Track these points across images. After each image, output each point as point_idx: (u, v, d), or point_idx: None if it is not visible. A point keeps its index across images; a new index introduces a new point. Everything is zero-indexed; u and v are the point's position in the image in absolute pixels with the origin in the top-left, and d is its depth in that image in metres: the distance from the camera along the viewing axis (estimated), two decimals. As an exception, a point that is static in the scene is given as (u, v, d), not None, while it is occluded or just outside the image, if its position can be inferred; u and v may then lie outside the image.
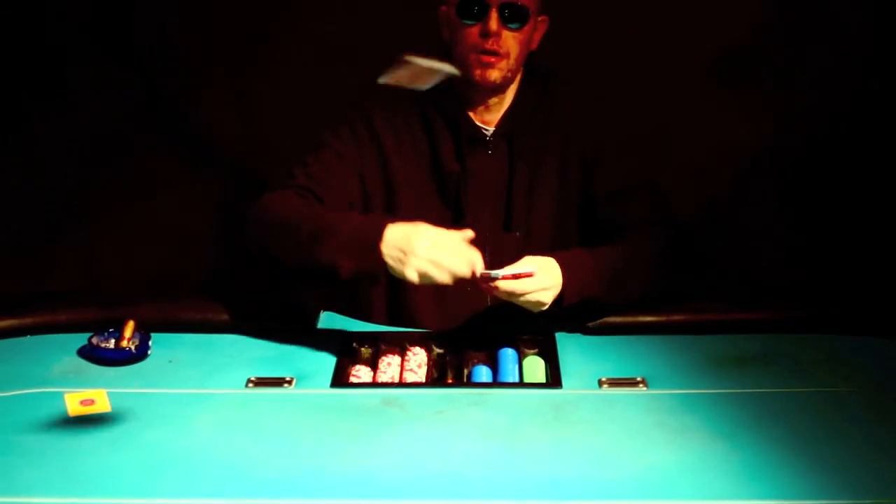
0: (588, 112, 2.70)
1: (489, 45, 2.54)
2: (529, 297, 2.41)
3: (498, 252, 2.61)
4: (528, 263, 2.42)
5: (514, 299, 2.41)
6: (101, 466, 1.98)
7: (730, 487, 1.91)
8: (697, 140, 3.51)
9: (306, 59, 3.48)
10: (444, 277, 2.32)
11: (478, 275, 2.36)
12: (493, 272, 2.36)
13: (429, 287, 2.59)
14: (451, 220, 2.63)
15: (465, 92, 2.64)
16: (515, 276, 2.37)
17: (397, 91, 2.66)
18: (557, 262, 2.46)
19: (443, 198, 2.68)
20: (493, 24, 2.53)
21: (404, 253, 2.32)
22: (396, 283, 2.68)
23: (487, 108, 2.66)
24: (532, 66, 2.68)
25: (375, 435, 2.09)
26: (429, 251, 2.31)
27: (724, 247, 3.59)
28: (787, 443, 2.05)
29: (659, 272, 2.62)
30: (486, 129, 2.67)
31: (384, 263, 2.35)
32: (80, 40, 3.49)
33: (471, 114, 2.66)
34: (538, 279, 2.40)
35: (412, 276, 2.32)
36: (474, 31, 2.55)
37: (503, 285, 2.37)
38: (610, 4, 3.42)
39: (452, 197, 2.66)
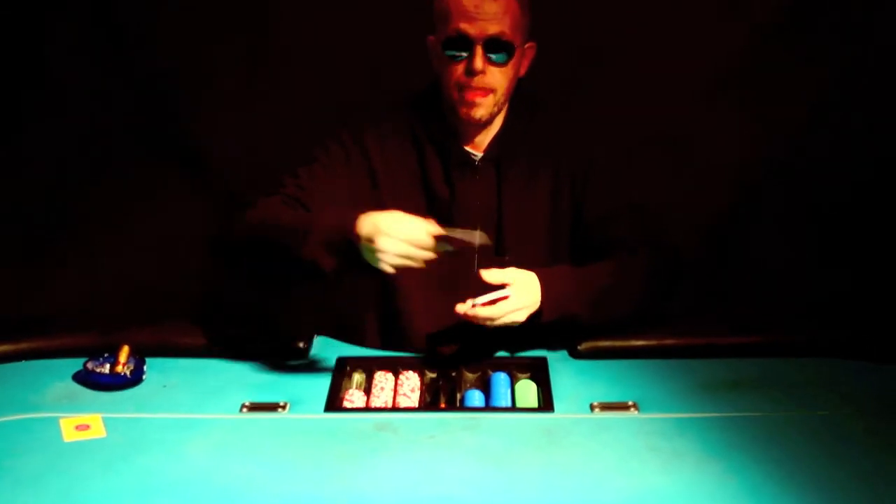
0: (577, 136, 2.71)
1: (475, 82, 2.55)
2: (505, 320, 2.43)
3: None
4: (507, 277, 2.44)
5: (489, 324, 2.43)
6: (96, 491, 1.99)
7: (721, 511, 1.92)
8: (698, 155, 3.51)
9: (299, 72, 3.47)
10: (401, 248, 2.32)
11: (461, 312, 2.39)
12: (470, 299, 2.40)
13: (422, 310, 2.61)
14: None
15: (454, 123, 2.66)
16: (492, 302, 2.40)
17: (387, 112, 2.70)
18: (538, 277, 2.48)
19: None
20: (479, 61, 2.52)
21: (371, 241, 2.32)
22: (389, 305, 2.70)
23: (476, 134, 2.68)
24: (520, 92, 2.69)
25: (369, 459, 2.10)
26: (387, 230, 2.32)
27: (723, 267, 3.59)
28: (781, 466, 2.06)
29: (648, 293, 2.63)
30: (475, 154, 2.68)
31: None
32: (74, 53, 3.49)
33: (460, 138, 2.68)
34: (513, 300, 2.42)
35: (383, 265, 2.34)
36: (460, 67, 2.55)
37: (480, 313, 2.40)
38: (610, 20, 3.42)
39: (442, 221, 2.66)
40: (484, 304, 2.39)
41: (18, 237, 3.56)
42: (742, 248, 3.61)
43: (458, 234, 2.37)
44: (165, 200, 3.57)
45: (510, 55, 2.55)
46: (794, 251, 3.59)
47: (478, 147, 2.68)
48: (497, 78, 2.56)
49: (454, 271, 2.54)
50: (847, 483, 2.00)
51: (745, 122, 3.49)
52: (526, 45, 2.63)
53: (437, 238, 2.34)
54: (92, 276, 3.56)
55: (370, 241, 2.30)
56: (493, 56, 2.53)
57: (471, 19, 2.50)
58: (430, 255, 2.33)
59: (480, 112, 2.58)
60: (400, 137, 2.69)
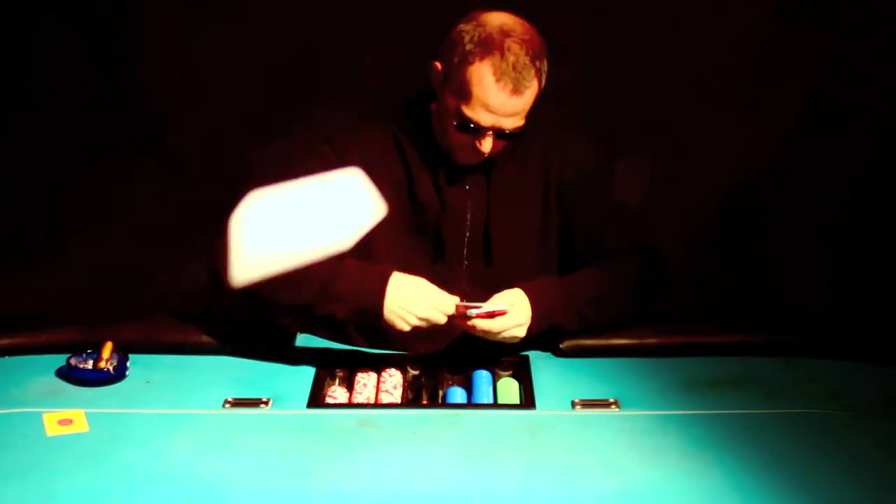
0: (567, 148, 2.67)
1: (478, 157, 2.53)
2: (505, 335, 2.45)
3: (477, 287, 2.63)
4: (499, 301, 2.45)
5: (489, 337, 2.44)
6: (79, 486, 1.99)
7: (703, 507, 1.93)
8: (692, 155, 3.53)
9: (281, 62, 3.47)
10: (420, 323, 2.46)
11: (455, 309, 2.41)
12: (469, 309, 2.42)
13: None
14: (429, 256, 2.64)
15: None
16: (490, 314, 2.41)
17: (372, 119, 2.67)
18: (525, 293, 2.49)
19: (420, 232, 2.65)
20: (487, 146, 2.49)
21: (406, 310, 2.45)
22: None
23: None
24: None
25: (351, 455, 2.11)
26: (409, 306, 2.45)
27: (713, 269, 3.61)
28: (763, 463, 2.07)
29: (633, 301, 2.64)
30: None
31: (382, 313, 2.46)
32: (51, 50, 3.47)
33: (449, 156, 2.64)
34: (512, 317, 2.44)
35: (404, 327, 2.47)
36: (466, 138, 2.50)
37: (479, 324, 2.42)
38: (607, 22, 3.43)
39: (431, 232, 2.65)
40: (480, 316, 2.41)
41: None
42: (733, 248, 3.62)
43: (484, 307, 2.43)
44: (147, 196, 3.57)
45: (520, 136, 2.53)
46: (784, 253, 3.61)
47: None
48: (500, 147, 2.54)
49: (441, 277, 2.55)
50: (829, 480, 2.01)
51: (740, 122, 3.50)
52: None
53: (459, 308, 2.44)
54: (74, 273, 3.55)
55: (399, 308, 2.45)
56: (500, 137, 2.50)
57: (491, 112, 2.45)
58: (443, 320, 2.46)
59: (478, 163, 2.58)
60: (385, 147, 2.63)
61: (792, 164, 3.52)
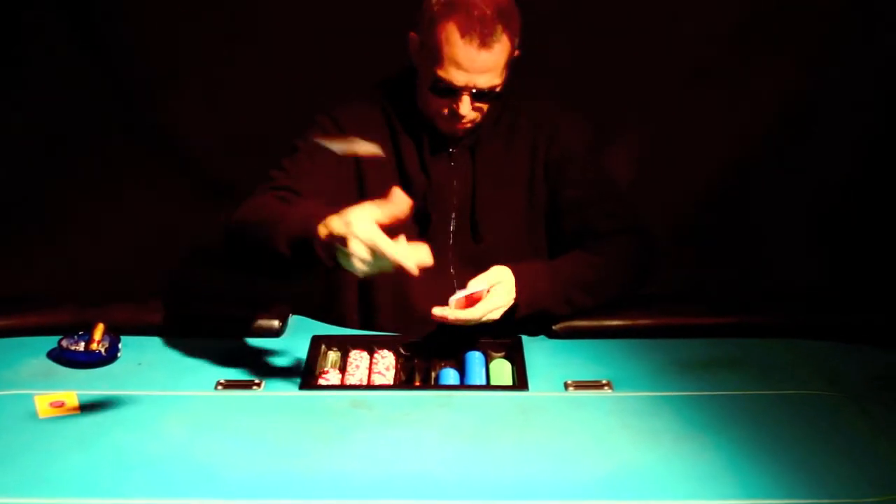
0: (553, 124, 2.69)
1: (458, 121, 2.55)
2: (483, 320, 2.44)
3: (464, 262, 2.63)
4: (484, 280, 2.44)
5: (467, 324, 2.44)
6: (71, 468, 1.99)
7: (696, 488, 1.93)
8: (680, 138, 3.52)
9: (275, 56, 3.46)
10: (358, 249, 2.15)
11: (439, 315, 2.39)
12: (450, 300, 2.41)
13: (399, 292, 2.61)
14: (417, 229, 2.64)
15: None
16: (468, 298, 2.41)
17: (361, 96, 2.68)
18: (514, 274, 2.49)
19: None
20: (465, 108, 2.51)
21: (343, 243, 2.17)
22: (366, 289, 2.70)
23: None
24: None
25: (344, 437, 2.11)
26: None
27: (703, 250, 3.61)
28: (755, 444, 2.07)
29: (623, 283, 2.64)
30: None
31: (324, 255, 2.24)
32: (44, 37, 3.46)
33: (434, 128, 2.65)
34: (490, 301, 2.43)
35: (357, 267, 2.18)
36: (444, 103, 2.53)
37: (461, 316, 2.40)
38: (596, 6, 3.43)
39: (419, 207, 2.65)
40: (463, 305, 2.40)
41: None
42: (723, 229, 3.63)
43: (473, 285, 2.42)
44: (138, 178, 3.56)
45: (497, 98, 2.55)
46: (774, 232, 3.61)
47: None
48: (480, 111, 2.56)
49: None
50: (822, 461, 2.02)
51: (729, 106, 3.50)
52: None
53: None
54: (66, 254, 3.54)
55: (342, 242, 2.15)
56: (478, 100, 2.52)
57: (462, 70, 2.47)
58: (398, 261, 2.11)
59: (461, 133, 2.60)
60: (375, 121, 2.67)
61: (780, 146, 3.52)
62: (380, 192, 2.55)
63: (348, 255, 2.13)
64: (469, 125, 2.58)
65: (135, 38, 3.46)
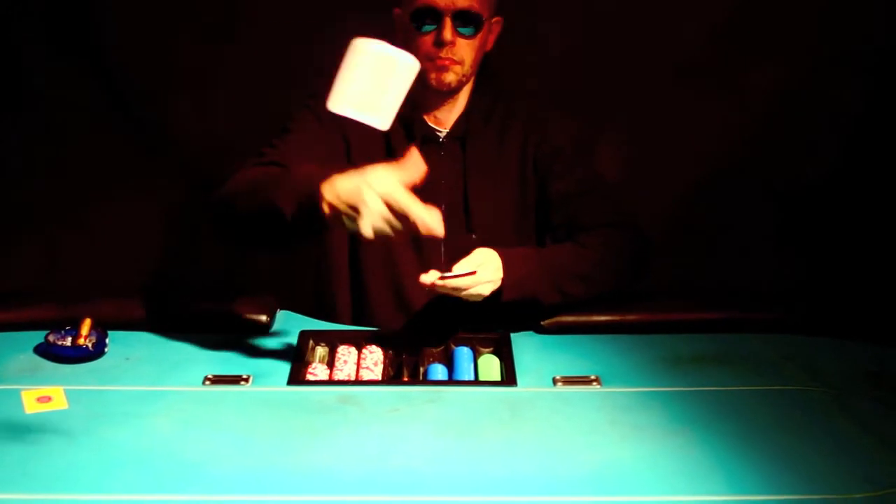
0: (544, 117, 2.72)
1: (444, 53, 2.56)
2: (471, 291, 2.43)
3: (455, 254, 2.63)
4: (470, 262, 2.44)
5: (455, 293, 2.43)
6: (58, 463, 1.98)
7: (684, 483, 1.93)
8: (666, 133, 3.53)
9: (265, 57, 3.47)
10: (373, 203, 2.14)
11: (427, 283, 2.38)
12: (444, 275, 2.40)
13: (390, 288, 2.61)
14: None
15: (418, 94, 2.65)
16: (457, 277, 2.40)
17: None
18: (500, 256, 2.48)
19: None
20: (447, 32, 2.54)
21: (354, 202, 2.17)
22: (358, 284, 2.70)
23: (441, 111, 2.68)
24: (486, 71, 2.70)
25: (332, 432, 2.11)
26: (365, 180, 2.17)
27: (690, 245, 3.62)
28: (742, 439, 2.07)
29: (611, 275, 2.64)
30: (440, 131, 2.69)
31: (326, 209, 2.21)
32: (37, 37, 3.46)
33: (424, 116, 2.68)
34: (479, 275, 2.43)
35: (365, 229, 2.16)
36: (428, 39, 2.56)
37: (449, 283, 2.39)
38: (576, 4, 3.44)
39: None
40: (448, 278, 2.40)
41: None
42: (708, 225, 3.63)
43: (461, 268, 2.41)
44: (125, 173, 3.56)
45: (478, 28, 2.57)
46: (760, 229, 3.62)
47: (442, 124, 2.69)
48: (465, 50, 2.58)
49: (417, 247, 2.55)
50: (808, 456, 2.02)
51: (716, 104, 3.51)
52: (493, 20, 2.63)
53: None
54: (53, 250, 3.54)
55: (352, 184, 2.14)
56: (461, 29, 2.55)
57: None
58: (420, 217, 2.12)
59: (450, 77, 2.60)
60: None
61: (766, 142, 3.53)
62: None
63: (355, 216, 2.13)
64: (458, 67, 2.59)
65: (128, 45, 3.47)
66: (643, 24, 3.44)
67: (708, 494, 1.90)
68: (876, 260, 3.43)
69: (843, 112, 3.50)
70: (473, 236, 2.66)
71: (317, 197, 2.19)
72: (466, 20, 2.55)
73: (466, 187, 2.69)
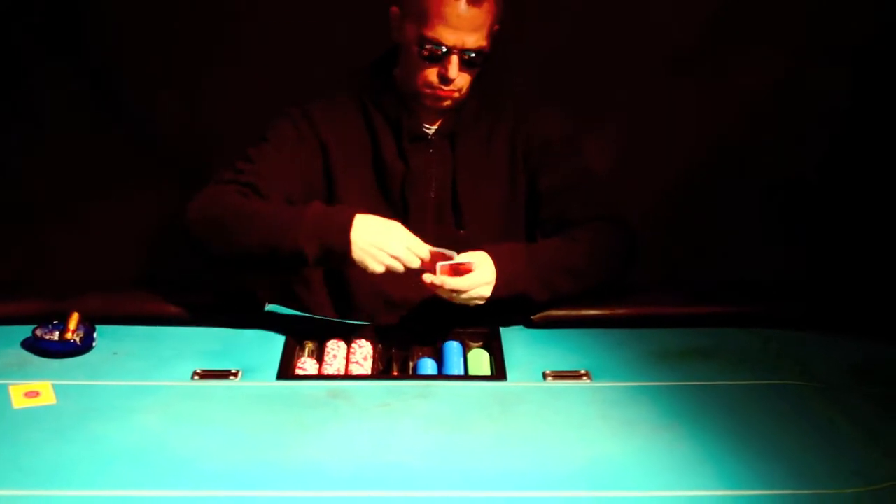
0: (533, 113, 2.71)
1: (446, 86, 2.55)
2: (472, 294, 2.43)
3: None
4: (470, 256, 2.44)
5: (455, 297, 2.43)
6: (46, 458, 1.97)
7: (675, 478, 1.93)
8: (656, 128, 3.53)
9: (255, 56, 3.46)
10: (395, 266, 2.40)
11: (429, 282, 2.39)
12: (441, 261, 2.40)
13: (372, 281, 2.61)
14: (394, 219, 2.63)
15: (411, 105, 2.64)
16: (457, 268, 2.40)
17: (337, 89, 2.68)
18: (490, 255, 2.48)
19: (385, 196, 2.67)
20: (454, 71, 2.52)
21: (377, 248, 2.37)
22: (340, 277, 2.69)
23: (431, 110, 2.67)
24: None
25: (321, 427, 2.10)
26: (381, 243, 2.38)
27: (681, 242, 3.62)
28: (732, 433, 2.07)
29: (600, 269, 2.63)
30: (429, 128, 2.68)
31: (350, 249, 2.38)
32: (28, 37, 3.45)
33: (414, 113, 2.66)
34: (478, 274, 2.42)
35: (376, 268, 2.39)
36: (432, 71, 2.53)
37: (448, 283, 2.39)
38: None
39: (396, 195, 2.66)
40: (449, 272, 2.39)
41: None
42: (697, 219, 3.63)
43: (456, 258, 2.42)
44: (115, 170, 3.54)
45: (484, 62, 2.55)
46: (749, 223, 3.62)
47: (431, 122, 2.67)
48: (466, 79, 2.57)
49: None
50: (797, 450, 2.02)
51: (706, 96, 3.51)
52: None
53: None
54: (40, 244, 3.53)
55: (370, 244, 2.36)
56: (467, 65, 2.53)
57: (451, 28, 2.48)
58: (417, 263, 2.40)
59: (447, 103, 2.59)
60: (350, 109, 2.67)
61: (757, 136, 3.53)
62: (350, 182, 2.56)
63: (378, 252, 2.38)
64: (456, 94, 2.58)
65: (119, 44, 3.46)
66: (632, 18, 3.43)
67: (698, 489, 1.90)
68: (866, 255, 3.43)
69: (833, 106, 3.50)
70: (462, 232, 2.66)
71: (346, 242, 2.36)
72: (473, 57, 2.53)
73: (456, 184, 2.68)
